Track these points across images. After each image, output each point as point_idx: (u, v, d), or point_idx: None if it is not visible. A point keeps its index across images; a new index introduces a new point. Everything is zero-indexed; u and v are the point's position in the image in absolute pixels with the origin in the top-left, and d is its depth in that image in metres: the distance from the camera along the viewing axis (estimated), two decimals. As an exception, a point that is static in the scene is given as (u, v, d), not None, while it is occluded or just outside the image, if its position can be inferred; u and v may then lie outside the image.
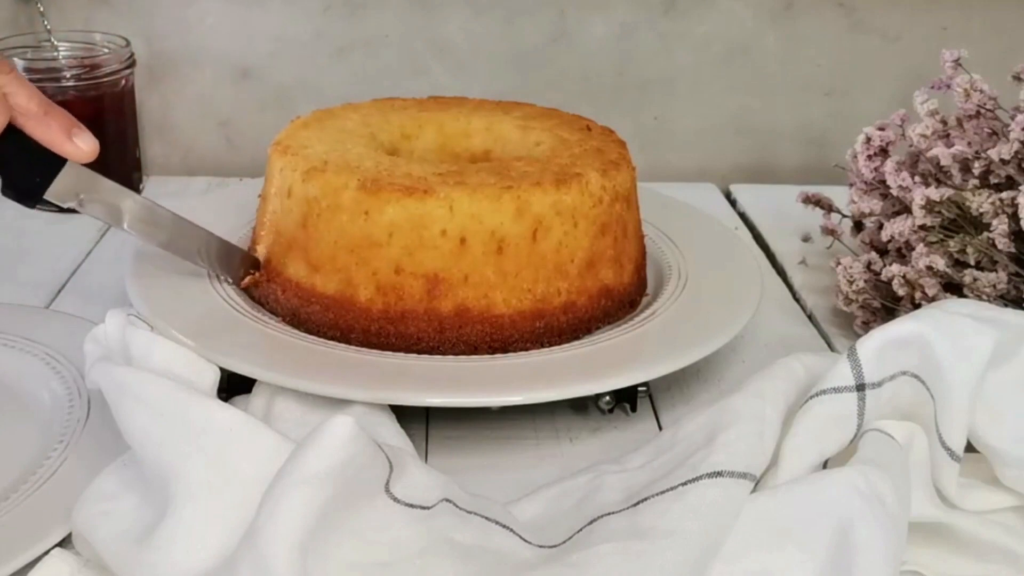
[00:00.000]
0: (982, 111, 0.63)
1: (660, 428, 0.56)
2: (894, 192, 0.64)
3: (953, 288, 0.60)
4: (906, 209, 0.63)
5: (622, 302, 0.62)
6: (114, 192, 0.55)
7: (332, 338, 0.56)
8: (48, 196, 0.52)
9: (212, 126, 0.95)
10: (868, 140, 0.67)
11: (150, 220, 0.57)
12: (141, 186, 0.90)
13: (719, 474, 0.42)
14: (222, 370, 0.51)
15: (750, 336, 0.65)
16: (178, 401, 0.43)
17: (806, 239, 0.78)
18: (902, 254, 0.65)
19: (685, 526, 0.40)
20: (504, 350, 0.57)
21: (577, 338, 0.59)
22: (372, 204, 0.55)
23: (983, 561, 0.45)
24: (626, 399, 0.55)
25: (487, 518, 0.44)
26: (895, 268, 0.61)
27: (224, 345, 0.53)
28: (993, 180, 0.61)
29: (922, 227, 0.61)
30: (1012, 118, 0.60)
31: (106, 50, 0.84)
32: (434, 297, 0.55)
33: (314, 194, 0.57)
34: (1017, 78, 0.64)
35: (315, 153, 0.59)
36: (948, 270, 0.59)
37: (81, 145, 0.52)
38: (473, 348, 0.56)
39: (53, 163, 0.52)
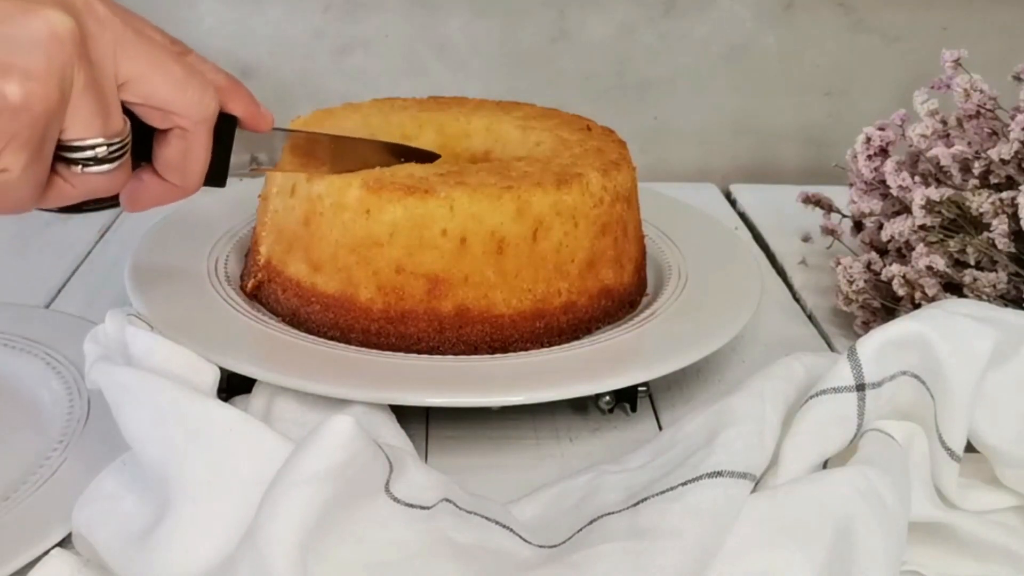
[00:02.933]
0: (982, 111, 0.63)
1: (660, 428, 0.56)
2: (894, 192, 0.64)
3: (953, 288, 0.60)
4: (906, 209, 0.63)
5: (622, 302, 0.62)
6: (277, 138, 0.53)
7: (332, 338, 0.56)
8: (232, 171, 0.50)
9: (212, 126, 0.95)
10: (868, 140, 0.67)
11: (310, 151, 0.54)
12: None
13: (719, 474, 0.42)
14: (222, 370, 0.51)
15: (750, 336, 0.65)
16: (178, 401, 0.43)
17: (806, 239, 0.78)
18: (902, 254, 0.65)
19: (685, 526, 0.40)
20: (504, 350, 0.57)
21: (577, 338, 0.59)
22: (373, 203, 0.55)
23: (983, 561, 0.45)
24: (626, 399, 0.55)
25: (487, 518, 0.44)
26: (895, 268, 0.61)
27: (224, 345, 0.53)
28: (993, 180, 0.61)
29: (922, 227, 0.61)
30: (1012, 118, 0.60)
31: (106, 50, 0.84)
32: (434, 297, 0.55)
33: (318, 192, 0.57)
34: (1017, 78, 0.64)
35: (315, 153, 0.59)
36: (948, 270, 0.59)
37: (266, 112, 0.50)
38: (473, 348, 0.56)
39: (224, 142, 0.48)
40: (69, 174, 0.42)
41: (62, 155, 0.41)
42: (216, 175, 0.48)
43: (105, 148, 0.42)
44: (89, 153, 0.41)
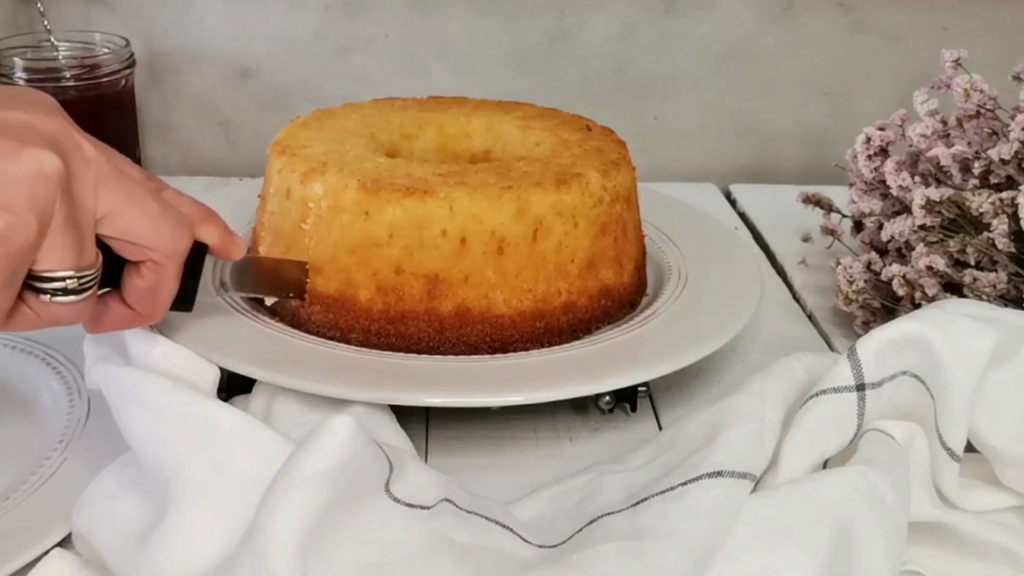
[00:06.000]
0: (982, 111, 0.63)
1: (660, 428, 0.56)
2: (894, 192, 0.64)
3: (953, 288, 0.60)
4: (906, 209, 0.63)
5: (622, 302, 0.62)
6: (248, 264, 0.55)
7: (332, 338, 0.56)
8: (198, 297, 0.51)
9: (212, 126, 0.95)
10: (868, 140, 0.67)
11: (277, 275, 0.57)
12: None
13: (719, 474, 0.42)
14: (222, 370, 0.51)
15: (750, 336, 0.65)
16: (178, 401, 0.43)
17: (806, 239, 0.78)
18: (902, 254, 0.65)
19: (685, 526, 0.40)
20: (504, 350, 0.57)
21: (577, 338, 0.59)
22: (372, 204, 0.55)
23: (983, 561, 0.45)
24: (626, 399, 0.55)
25: (487, 518, 0.44)
26: (895, 268, 0.61)
27: (224, 345, 0.53)
28: (993, 180, 0.61)
29: (922, 227, 0.61)
30: (1012, 118, 0.60)
31: (106, 50, 0.84)
32: (434, 297, 0.55)
33: (315, 195, 0.57)
34: (1017, 78, 0.64)
35: (314, 153, 0.59)
36: (948, 270, 0.59)
37: (239, 241, 0.52)
38: (473, 348, 0.56)
39: (194, 270, 0.49)
40: (35, 302, 0.42)
41: (31, 284, 0.41)
42: (184, 300, 0.49)
43: (76, 280, 0.42)
44: (59, 284, 0.42)
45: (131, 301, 0.47)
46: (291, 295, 0.57)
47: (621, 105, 0.96)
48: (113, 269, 0.46)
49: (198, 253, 0.49)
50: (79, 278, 0.42)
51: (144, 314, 0.48)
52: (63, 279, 0.42)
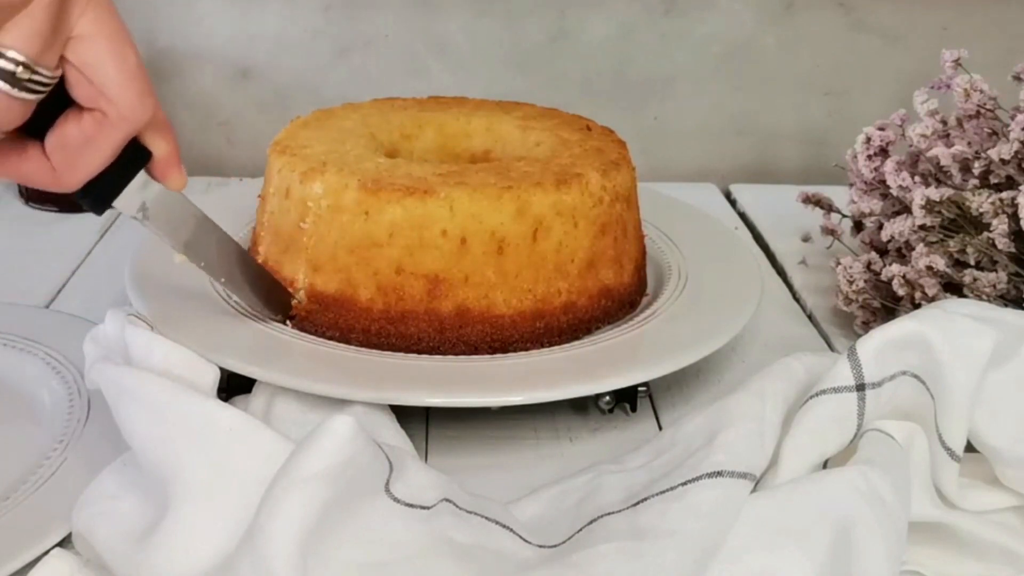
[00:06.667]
0: (982, 111, 0.63)
1: (660, 428, 0.56)
2: (894, 192, 0.64)
3: (953, 288, 0.60)
4: (906, 209, 0.63)
5: (622, 302, 0.62)
6: (179, 204, 0.51)
7: (332, 338, 0.56)
8: (116, 203, 0.47)
9: (212, 126, 0.96)
10: (868, 140, 0.67)
11: (207, 241, 0.53)
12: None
13: (719, 474, 0.42)
14: (222, 370, 0.51)
15: (750, 336, 0.65)
16: (178, 401, 0.43)
17: (806, 239, 0.78)
18: (902, 254, 0.65)
19: (685, 526, 0.40)
20: (504, 350, 0.57)
21: (577, 338, 0.59)
22: (372, 204, 0.55)
23: (983, 561, 0.45)
24: (626, 399, 0.55)
25: (487, 518, 0.44)
26: (895, 268, 0.61)
27: (224, 345, 0.53)
28: (993, 180, 0.61)
29: (922, 227, 0.61)
30: (1012, 118, 0.60)
31: (106, 50, 0.84)
32: (434, 297, 0.55)
33: (314, 194, 0.57)
34: (1017, 78, 0.64)
35: (314, 153, 0.59)
36: (948, 270, 0.59)
37: (184, 173, 0.48)
38: (473, 348, 0.56)
39: (128, 169, 0.46)
40: None
41: None
42: (100, 194, 0.46)
43: (26, 73, 0.39)
44: (8, 66, 0.38)
45: (52, 149, 0.42)
46: (262, 310, 0.56)
47: (621, 105, 0.96)
48: (48, 117, 0.42)
49: (139, 157, 0.46)
50: (30, 73, 0.39)
51: (58, 170, 0.43)
52: (15, 63, 0.38)
